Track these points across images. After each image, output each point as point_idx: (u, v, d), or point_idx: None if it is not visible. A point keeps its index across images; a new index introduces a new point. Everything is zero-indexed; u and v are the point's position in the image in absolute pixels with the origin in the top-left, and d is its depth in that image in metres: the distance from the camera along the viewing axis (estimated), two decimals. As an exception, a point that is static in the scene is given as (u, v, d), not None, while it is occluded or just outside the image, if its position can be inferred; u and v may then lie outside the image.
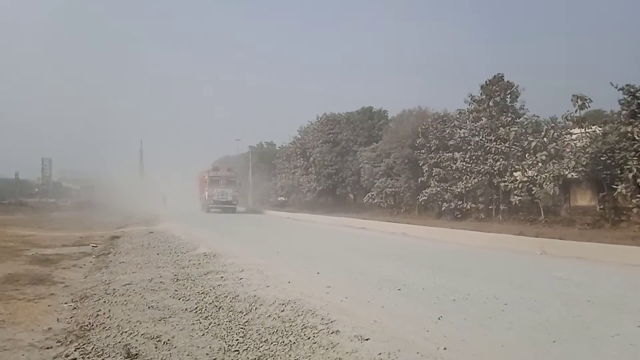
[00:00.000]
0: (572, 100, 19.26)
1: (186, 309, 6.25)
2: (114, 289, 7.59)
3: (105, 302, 6.76)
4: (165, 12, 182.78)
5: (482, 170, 21.20)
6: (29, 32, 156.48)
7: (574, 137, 19.39)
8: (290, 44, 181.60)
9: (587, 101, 19.10)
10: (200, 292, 7.24)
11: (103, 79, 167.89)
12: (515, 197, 19.66)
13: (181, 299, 6.83)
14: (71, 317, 6.03)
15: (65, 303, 6.84)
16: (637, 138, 16.15)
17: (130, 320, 5.77)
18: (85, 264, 10.78)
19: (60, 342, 5.09)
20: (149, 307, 6.37)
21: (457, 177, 22.81)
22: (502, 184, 20.47)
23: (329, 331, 5.11)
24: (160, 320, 5.74)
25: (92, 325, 5.63)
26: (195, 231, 17.93)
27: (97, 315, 6.04)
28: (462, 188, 22.14)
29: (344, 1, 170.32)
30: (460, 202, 22.75)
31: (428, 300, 6.66)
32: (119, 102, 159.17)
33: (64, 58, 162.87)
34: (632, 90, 16.66)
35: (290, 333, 5.12)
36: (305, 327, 5.27)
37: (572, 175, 18.41)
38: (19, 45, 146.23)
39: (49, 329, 5.54)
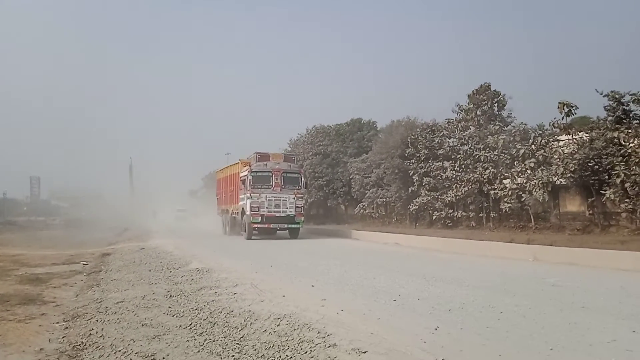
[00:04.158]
0: (558, 107, 19.48)
1: (180, 326, 6.18)
2: (107, 307, 7.50)
3: (97, 320, 6.67)
4: (152, 28, 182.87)
5: (472, 178, 21.29)
6: (16, 49, 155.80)
7: (561, 143, 19.56)
8: (277, 57, 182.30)
9: (573, 108, 19.32)
10: (194, 308, 7.17)
11: (91, 96, 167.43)
12: (505, 204, 19.74)
13: (175, 316, 6.75)
14: (63, 337, 5.94)
15: (57, 323, 6.74)
16: (623, 143, 16.35)
17: (124, 338, 5.69)
18: (77, 282, 10.65)
19: (53, 363, 5.01)
20: (142, 325, 6.30)
21: (447, 185, 22.91)
22: (492, 192, 20.56)
23: (326, 345, 5.08)
24: (154, 338, 5.67)
25: (85, 344, 5.55)
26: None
27: (90, 334, 5.96)
28: (452, 197, 22.20)
29: (330, 11, 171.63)
30: (451, 211, 22.81)
31: (424, 311, 6.65)
32: (107, 118, 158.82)
33: (52, 75, 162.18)
34: (616, 96, 16.89)
35: (287, 348, 5.07)
36: (302, 342, 5.23)
37: (561, 182, 18.55)
38: (5, 62, 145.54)
39: (41, 349, 5.45)
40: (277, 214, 21.80)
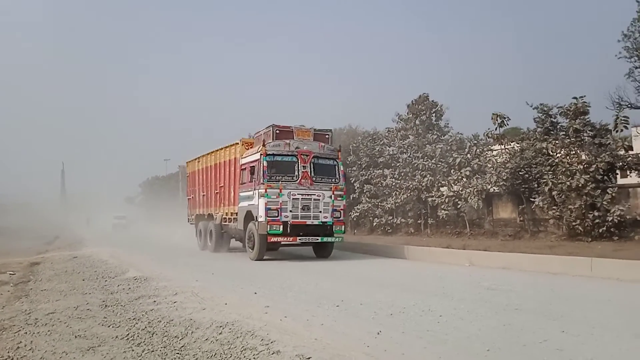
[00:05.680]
0: (492, 118, 20.38)
1: (117, 337, 5.93)
2: (36, 319, 7.08)
3: (26, 333, 6.28)
4: (92, 28, 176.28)
5: (411, 186, 21.86)
6: None
7: (494, 153, 20.49)
8: (219, 65, 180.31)
9: (506, 119, 20.28)
10: (132, 317, 6.90)
11: (21, 98, 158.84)
12: (443, 211, 20.40)
13: (111, 326, 6.47)
14: (-12, 352, 5.56)
15: (-19, 337, 6.30)
16: (551, 154, 17.31)
17: (56, 351, 5.40)
18: (2, 293, 9.99)
19: (-24, 380, 4.68)
20: (75, 337, 5.99)
21: (387, 193, 23.42)
22: (429, 199, 21.19)
23: (269, 352, 5.02)
24: (88, 350, 5.41)
25: (13, 359, 5.22)
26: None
27: (18, 347, 5.60)
28: (392, 204, 22.72)
29: (274, 18, 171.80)
30: (390, 217, 23.29)
31: (366, 316, 6.72)
32: (38, 121, 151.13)
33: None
34: (545, 109, 17.87)
35: (229, 356, 4.98)
36: (245, 349, 5.14)
37: (494, 189, 19.40)
38: None
39: (-37, 366, 5.09)
40: (307, 221, 14.54)
